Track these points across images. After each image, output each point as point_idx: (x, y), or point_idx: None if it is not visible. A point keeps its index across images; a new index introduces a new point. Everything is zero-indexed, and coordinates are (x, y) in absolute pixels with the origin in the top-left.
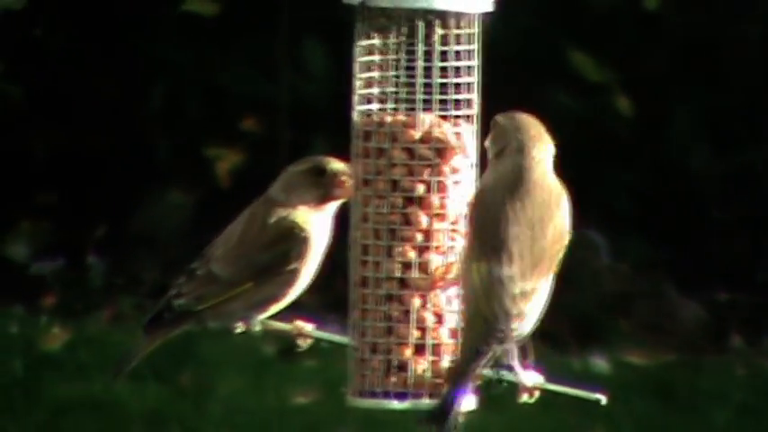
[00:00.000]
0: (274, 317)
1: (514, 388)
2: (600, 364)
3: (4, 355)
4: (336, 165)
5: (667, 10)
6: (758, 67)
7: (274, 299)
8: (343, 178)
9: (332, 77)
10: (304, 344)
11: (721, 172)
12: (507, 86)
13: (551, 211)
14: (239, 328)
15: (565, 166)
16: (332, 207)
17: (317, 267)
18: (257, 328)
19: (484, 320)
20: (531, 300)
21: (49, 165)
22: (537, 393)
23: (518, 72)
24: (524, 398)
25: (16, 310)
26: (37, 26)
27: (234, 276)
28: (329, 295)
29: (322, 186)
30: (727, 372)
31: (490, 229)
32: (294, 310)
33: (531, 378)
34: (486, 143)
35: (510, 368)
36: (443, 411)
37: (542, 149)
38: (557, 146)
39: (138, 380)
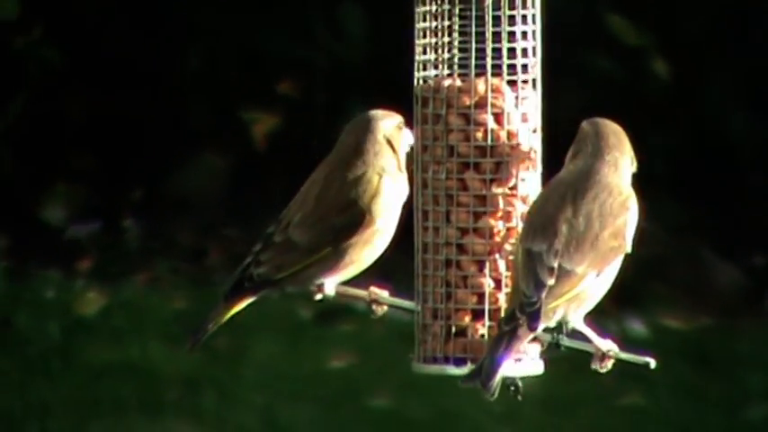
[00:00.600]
0: (346, 283)
1: (571, 352)
2: (637, 328)
3: (41, 320)
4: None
5: None
6: None
7: (353, 262)
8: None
9: (368, 40)
10: (379, 310)
11: (758, 136)
12: (547, 51)
13: (614, 213)
14: (316, 294)
15: None
16: (403, 165)
17: (394, 229)
18: (332, 293)
19: (521, 291)
20: (568, 281)
21: (85, 128)
22: (610, 362)
23: (556, 36)
24: (597, 366)
25: (52, 273)
26: None
27: (312, 242)
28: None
29: (396, 143)
30: (764, 335)
31: (541, 212)
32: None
33: (605, 344)
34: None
35: (580, 335)
36: (488, 372)
37: (619, 157)
38: (594, 108)
39: (173, 344)
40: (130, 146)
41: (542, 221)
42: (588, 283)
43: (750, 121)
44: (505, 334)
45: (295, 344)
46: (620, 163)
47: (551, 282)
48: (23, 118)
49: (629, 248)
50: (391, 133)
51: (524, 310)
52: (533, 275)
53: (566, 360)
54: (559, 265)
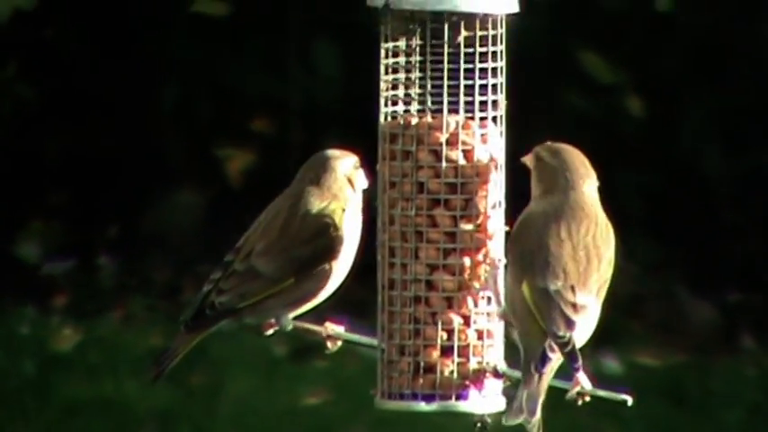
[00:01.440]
0: (300, 318)
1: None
2: (611, 365)
3: (16, 356)
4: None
5: (679, 11)
6: None
7: (312, 295)
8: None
9: (343, 78)
10: (333, 346)
11: (733, 173)
12: (520, 88)
13: (605, 242)
14: (271, 329)
15: None
16: (360, 204)
17: (351, 263)
18: (289, 327)
19: (546, 329)
20: (584, 315)
21: (60, 165)
22: (587, 398)
23: (530, 73)
24: (573, 398)
25: (27, 310)
26: (48, 26)
27: (276, 273)
28: (341, 297)
29: (354, 181)
30: (739, 373)
31: (538, 250)
32: (312, 313)
33: (586, 381)
34: (533, 180)
35: (575, 370)
36: (530, 410)
37: (591, 184)
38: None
39: (148, 380)
40: (105, 183)
41: (547, 259)
42: (593, 315)
43: (724, 158)
44: (540, 375)
45: (270, 380)
46: (593, 190)
47: (577, 318)
48: None
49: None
50: (350, 172)
51: (561, 350)
52: (560, 313)
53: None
54: (578, 301)
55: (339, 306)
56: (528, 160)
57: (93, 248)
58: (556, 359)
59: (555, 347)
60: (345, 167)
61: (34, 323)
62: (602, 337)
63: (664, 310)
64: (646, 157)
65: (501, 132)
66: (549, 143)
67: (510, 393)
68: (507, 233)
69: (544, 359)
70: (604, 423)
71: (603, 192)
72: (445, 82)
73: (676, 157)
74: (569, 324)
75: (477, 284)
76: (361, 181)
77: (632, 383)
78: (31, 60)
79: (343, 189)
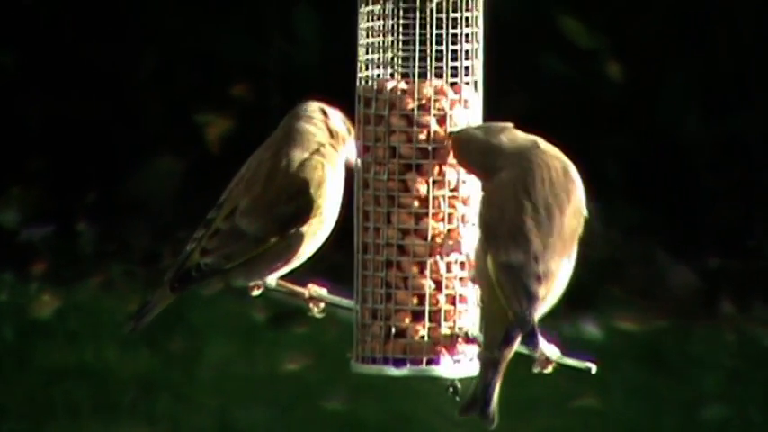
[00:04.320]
0: (285, 277)
1: (524, 358)
2: (591, 330)
3: None
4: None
5: None
6: (749, 33)
7: (297, 253)
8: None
9: (322, 44)
10: (316, 308)
11: (712, 138)
12: (497, 52)
13: (564, 188)
14: (257, 290)
15: (555, 132)
16: (344, 155)
17: (334, 221)
18: (273, 285)
19: (508, 307)
20: (551, 281)
21: (39, 131)
22: (552, 366)
23: (508, 38)
24: (539, 369)
25: (6, 277)
26: None
27: (260, 231)
28: (322, 259)
29: (339, 137)
30: (718, 338)
31: (499, 221)
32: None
33: (551, 351)
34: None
35: (534, 347)
36: (484, 399)
37: (511, 131)
38: (547, 111)
39: (127, 346)
40: (84, 149)
41: (509, 229)
42: (564, 273)
43: (704, 123)
44: (497, 358)
45: (249, 346)
46: (520, 136)
47: (542, 290)
48: None
49: (585, 213)
50: (334, 125)
51: (521, 329)
52: (523, 289)
53: (520, 363)
54: (543, 271)
55: (319, 269)
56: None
57: (72, 215)
58: (519, 340)
59: (518, 328)
60: (332, 120)
61: (13, 289)
62: (581, 302)
63: (643, 275)
64: (625, 122)
65: (479, 98)
66: (452, 137)
67: (482, 358)
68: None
69: (508, 340)
70: (584, 388)
71: (581, 156)
72: (416, 47)
73: (655, 123)
74: (532, 300)
75: (448, 247)
76: (349, 144)
77: (611, 348)
78: (9, 27)
79: (324, 143)
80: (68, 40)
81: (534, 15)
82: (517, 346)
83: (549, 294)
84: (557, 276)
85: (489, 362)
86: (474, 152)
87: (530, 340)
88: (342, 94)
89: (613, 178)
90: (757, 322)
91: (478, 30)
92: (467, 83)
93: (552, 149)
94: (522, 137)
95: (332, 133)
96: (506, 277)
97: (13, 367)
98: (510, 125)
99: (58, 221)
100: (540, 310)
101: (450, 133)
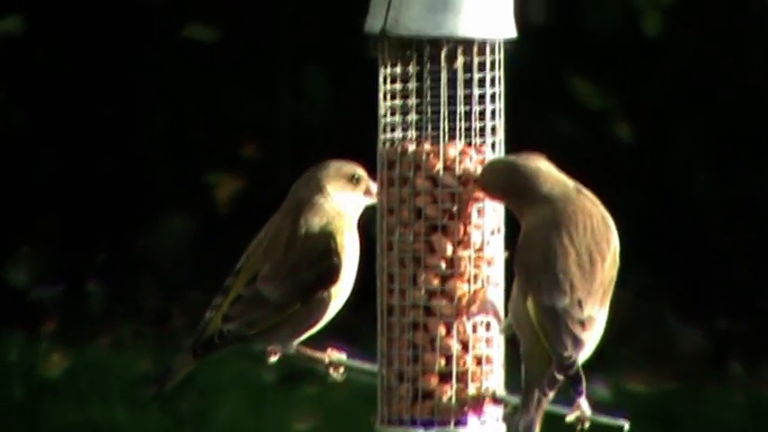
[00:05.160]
0: (304, 343)
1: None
2: (600, 390)
3: (4, 381)
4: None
5: (667, 36)
6: (759, 94)
7: (318, 319)
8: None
9: (331, 104)
10: (336, 374)
11: (722, 199)
12: (511, 113)
13: (603, 236)
14: (275, 355)
15: None
16: (356, 223)
17: (352, 286)
18: (292, 352)
19: (552, 351)
20: (592, 328)
21: (50, 190)
22: (587, 424)
23: (520, 99)
24: (574, 417)
25: (16, 336)
26: (38, 52)
27: (283, 298)
28: (337, 324)
29: (359, 190)
30: (727, 399)
31: (540, 266)
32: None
33: (586, 407)
34: (508, 206)
35: (578, 393)
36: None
37: (568, 181)
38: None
39: (137, 406)
40: (95, 208)
41: (553, 274)
42: (602, 322)
43: (713, 183)
44: (543, 400)
45: (258, 406)
46: (564, 181)
47: (585, 335)
48: None
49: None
50: (343, 186)
51: (565, 372)
52: (568, 333)
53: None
54: (587, 315)
55: (334, 332)
56: (481, 194)
57: (82, 274)
58: (560, 382)
59: (561, 370)
60: (325, 181)
61: (23, 349)
62: (591, 362)
63: (653, 336)
64: (635, 182)
65: None
66: (482, 169)
67: (509, 419)
68: (507, 259)
69: (552, 381)
70: None
71: None
72: (443, 108)
73: (665, 183)
74: (577, 344)
75: (475, 309)
76: (346, 197)
77: (621, 409)
78: (21, 85)
79: (342, 205)
80: (80, 100)
81: (545, 76)
82: (558, 387)
83: (590, 342)
84: (597, 323)
85: (534, 399)
86: (516, 177)
87: (574, 384)
88: (352, 153)
89: (624, 239)
90: (767, 384)
91: (501, 89)
92: (492, 144)
93: (592, 196)
94: (559, 173)
95: (346, 195)
96: (550, 321)
97: (23, 426)
98: (542, 157)
99: (68, 281)
100: (582, 356)
101: (488, 164)
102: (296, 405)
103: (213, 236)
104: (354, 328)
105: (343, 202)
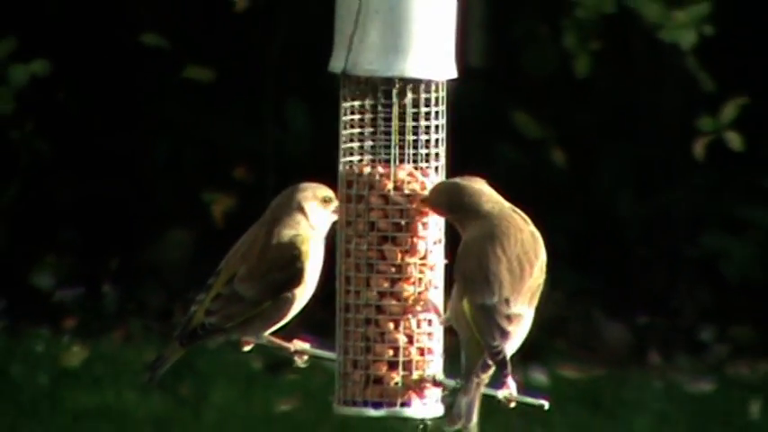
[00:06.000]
0: (272, 335)
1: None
2: (539, 377)
3: (32, 370)
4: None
5: (596, 76)
6: (673, 124)
7: (285, 314)
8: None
9: (310, 133)
10: (301, 360)
11: (641, 216)
12: (460, 142)
13: (531, 247)
14: (249, 345)
15: None
16: (324, 234)
17: (315, 287)
18: (263, 341)
19: (483, 342)
20: (518, 323)
21: (71, 208)
22: (513, 403)
23: (469, 129)
24: (503, 396)
25: (42, 331)
26: (61, 91)
27: (256, 296)
28: (309, 318)
29: (329, 208)
30: (647, 384)
31: (475, 271)
32: (282, 331)
33: (514, 388)
34: (452, 222)
35: (504, 376)
36: (467, 414)
37: (499, 197)
38: (502, 193)
39: (144, 390)
40: (109, 223)
41: (485, 277)
42: (528, 319)
43: (634, 202)
44: (479, 382)
45: (248, 390)
46: (509, 206)
47: (511, 328)
48: (18, 200)
49: (544, 274)
50: (317, 206)
51: (494, 358)
52: (496, 326)
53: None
54: (511, 313)
55: (307, 326)
56: (430, 210)
57: (98, 278)
58: (493, 367)
59: (491, 357)
60: (313, 202)
61: (48, 342)
62: (530, 353)
63: (583, 330)
64: (568, 201)
65: (442, 179)
66: (431, 190)
67: (448, 401)
68: (447, 265)
69: (485, 366)
70: (533, 426)
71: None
72: (394, 136)
73: (593, 202)
74: (503, 335)
75: (419, 308)
76: (318, 213)
77: (557, 393)
78: (46, 119)
79: (309, 219)
80: (96, 132)
81: (490, 110)
82: (491, 372)
83: (516, 335)
84: (525, 319)
85: (471, 383)
86: (461, 196)
87: (501, 369)
88: (327, 175)
89: (559, 249)
90: (680, 371)
91: (443, 122)
92: (435, 167)
93: (524, 216)
94: (497, 194)
95: (314, 212)
96: (481, 316)
97: (47, 409)
98: (482, 180)
99: (86, 284)
100: (510, 346)
101: (436, 185)
102: (280, 389)
103: (209, 246)
104: (322, 321)
105: (315, 218)
